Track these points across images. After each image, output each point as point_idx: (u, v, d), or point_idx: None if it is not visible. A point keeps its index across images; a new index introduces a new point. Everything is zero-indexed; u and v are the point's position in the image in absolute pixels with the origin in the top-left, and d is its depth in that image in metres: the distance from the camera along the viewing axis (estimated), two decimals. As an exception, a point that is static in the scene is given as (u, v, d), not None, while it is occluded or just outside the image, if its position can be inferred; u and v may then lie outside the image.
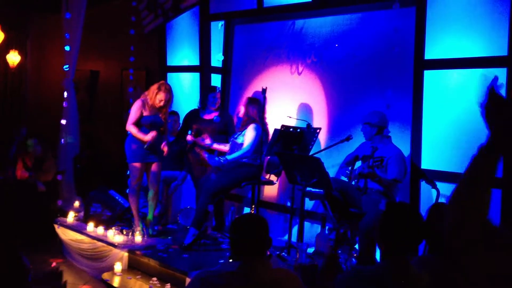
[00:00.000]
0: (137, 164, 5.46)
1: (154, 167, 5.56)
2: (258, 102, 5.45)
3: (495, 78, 1.91)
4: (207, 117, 5.85)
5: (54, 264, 5.64)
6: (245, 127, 5.44)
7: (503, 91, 1.86)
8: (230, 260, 3.75)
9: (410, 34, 5.08)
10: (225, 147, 5.63)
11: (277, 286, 2.36)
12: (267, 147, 5.48)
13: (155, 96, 5.37)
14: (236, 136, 5.54)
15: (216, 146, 5.67)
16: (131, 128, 5.39)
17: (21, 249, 2.69)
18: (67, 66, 7.09)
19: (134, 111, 5.40)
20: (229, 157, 5.33)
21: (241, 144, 5.40)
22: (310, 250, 4.80)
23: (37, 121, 9.26)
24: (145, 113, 5.40)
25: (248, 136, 5.36)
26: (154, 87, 5.41)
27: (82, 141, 7.81)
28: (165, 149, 5.51)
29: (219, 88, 5.89)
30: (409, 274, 2.28)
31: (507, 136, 1.77)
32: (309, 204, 5.78)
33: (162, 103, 5.39)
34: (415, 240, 2.30)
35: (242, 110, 5.51)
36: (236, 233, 2.43)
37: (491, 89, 1.81)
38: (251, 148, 5.33)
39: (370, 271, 2.35)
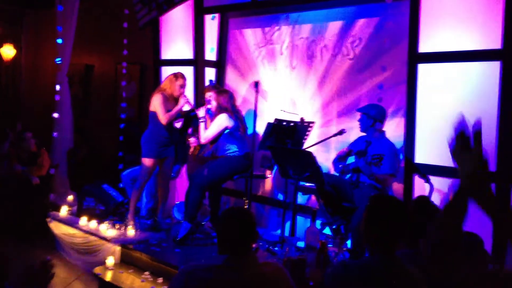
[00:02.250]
0: (151, 160, 5.46)
1: (167, 161, 5.61)
2: (228, 92, 5.37)
3: (477, 122, 1.94)
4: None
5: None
6: (216, 117, 5.32)
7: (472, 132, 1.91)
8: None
9: (404, 27, 5.05)
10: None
11: (263, 280, 2.34)
12: (260, 141, 5.44)
13: (174, 84, 5.45)
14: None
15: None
16: (168, 115, 5.37)
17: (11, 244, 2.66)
18: (59, 59, 7.05)
19: (162, 103, 5.39)
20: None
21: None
22: (301, 244, 4.78)
23: (32, 115, 9.25)
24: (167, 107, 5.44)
25: (212, 124, 5.25)
26: (169, 78, 5.52)
27: (76, 136, 7.79)
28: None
29: (212, 81, 5.84)
30: (400, 270, 2.26)
31: (473, 182, 1.85)
32: (303, 198, 5.76)
33: (182, 89, 5.49)
34: (400, 233, 2.28)
35: (213, 104, 5.43)
36: (222, 227, 2.41)
37: (461, 133, 1.86)
38: (209, 137, 5.23)
39: (359, 266, 2.34)
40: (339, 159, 5.04)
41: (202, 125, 5.31)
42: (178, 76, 5.51)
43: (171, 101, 5.48)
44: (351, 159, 5.00)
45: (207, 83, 6.56)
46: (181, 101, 5.41)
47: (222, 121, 5.19)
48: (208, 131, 5.24)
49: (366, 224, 2.31)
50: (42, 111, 8.80)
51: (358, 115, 4.91)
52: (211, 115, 5.43)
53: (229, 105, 5.22)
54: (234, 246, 2.38)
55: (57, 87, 7.00)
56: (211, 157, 5.52)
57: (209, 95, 5.69)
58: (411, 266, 2.29)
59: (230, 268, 2.32)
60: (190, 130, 5.94)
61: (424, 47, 4.73)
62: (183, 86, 5.51)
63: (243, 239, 2.38)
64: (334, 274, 2.36)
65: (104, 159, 8.23)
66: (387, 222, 2.26)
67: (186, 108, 5.58)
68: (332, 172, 5.30)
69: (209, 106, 5.48)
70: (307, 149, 4.81)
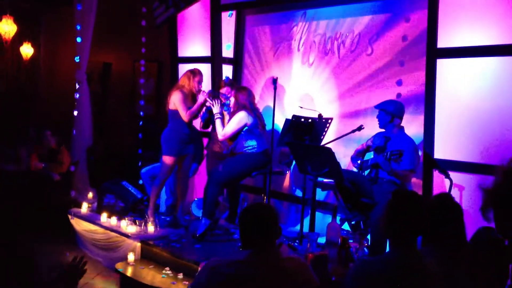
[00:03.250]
0: (172, 158, 5.48)
1: (186, 159, 5.65)
2: (246, 89, 5.37)
3: None
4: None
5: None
6: (235, 114, 5.29)
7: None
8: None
9: (422, 23, 5.03)
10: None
11: (286, 275, 2.35)
12: (278, 137, 5.46)
13: (192, 80, 5.47)
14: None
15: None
16: (189, 113, 5.40)
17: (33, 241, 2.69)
18: (77, 57, 7.12)
19: (183, 101, 5.41)
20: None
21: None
22: (321, 240, 4.80)
23: (50, 113, 9.34)
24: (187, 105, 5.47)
25: (231, 121, 5.24)
26: (187, 74, 5.53)
27: (95, 133, 7.86)
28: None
29: (227, 77, 5.85)
30: (420, 265, 2.27)
31: None
32: (321, 194, 5.77)
33: (200, 85, 5.51)
34: (421, 228, 2.29)
35: (232, 100, 5.44)
36: (245, 222, 2.43)
37: None
38: (228, 134, 5.22)
39: (380, 261, 2.35)
40: (357, 155, 5.05)
41: (218, 121, 5.31)
42: (195, 72, 5.53)
43: (189, 97, 5.52)
44: (369, 155, 4.99)
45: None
46: (200, 97, 5.43)
47: (241, 118, 5.19)
48: (226, 128, 5.25)
49: (388, 219, 2.31)
50: (60, 109, 8.89)
51: (376, 111, 4.90)
52: (229, 111, 5.44)
53: (247, 102, 5.22)
54: (256, 241, 2.39)
55: (77, 85, 7.07)
56: (230, 154, 5.55)
57: (224, 90, 5.71)
58: (430, 261, 2.30)
59: (252, 263, 2.34)
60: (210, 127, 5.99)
61: (442, 42, 4.72)
62: (200, 82, 5.54)
63: (266, 234, 2.39)
64: (356, 272, 2.38)
65: (123, 156, 8.30)
66: (409, 218, 2.27)
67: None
68: (350, 168, 5.30)
69: (227, 102, 5.49)
70: (326, 145, 4.82)
